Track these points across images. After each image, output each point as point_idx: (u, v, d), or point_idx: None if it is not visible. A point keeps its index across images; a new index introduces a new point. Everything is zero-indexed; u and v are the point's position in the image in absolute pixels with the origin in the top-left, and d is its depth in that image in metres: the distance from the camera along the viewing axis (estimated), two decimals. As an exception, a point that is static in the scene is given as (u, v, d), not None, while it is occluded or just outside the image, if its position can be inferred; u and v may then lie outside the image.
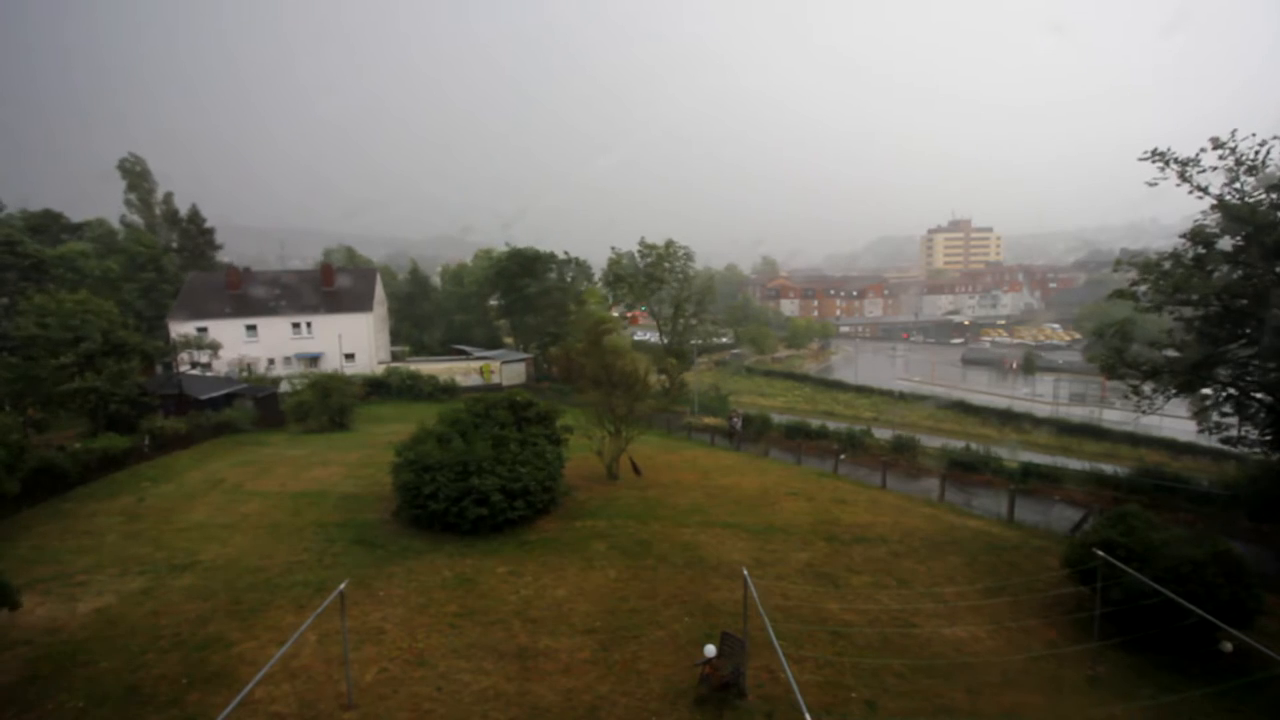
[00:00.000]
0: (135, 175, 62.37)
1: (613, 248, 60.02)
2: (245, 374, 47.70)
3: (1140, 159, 19.33)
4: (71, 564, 16.33)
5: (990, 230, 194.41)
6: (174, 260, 58.26)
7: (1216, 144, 18.12)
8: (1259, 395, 19.55)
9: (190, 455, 29.25)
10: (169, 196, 63.97)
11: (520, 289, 58.90)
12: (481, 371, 53.10)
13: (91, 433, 28.55)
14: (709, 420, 40.72)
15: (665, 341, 55.72)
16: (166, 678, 11.33)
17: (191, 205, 65.03)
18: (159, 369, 41.08)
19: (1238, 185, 18.34)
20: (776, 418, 38.63)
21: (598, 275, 62.52)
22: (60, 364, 28.23)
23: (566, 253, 62.99)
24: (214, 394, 36.68)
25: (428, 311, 71.82)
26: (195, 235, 64.17)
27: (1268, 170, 17.54)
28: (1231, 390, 20.05)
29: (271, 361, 51.96)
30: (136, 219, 62.60)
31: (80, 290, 33.99)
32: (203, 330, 46.81)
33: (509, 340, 66.90)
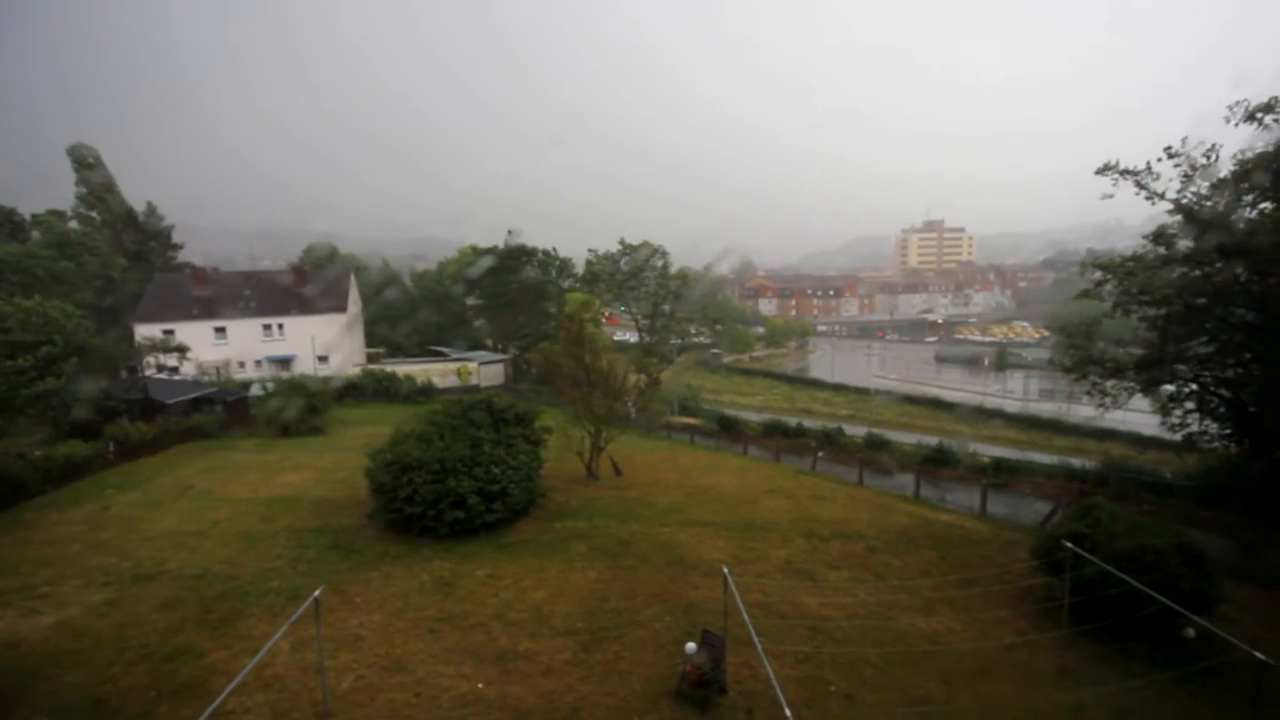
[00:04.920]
0: (87, 166, 59.79)
1: (590, 249, 60.05)
2: (214, 377, 46.64)
3: (1096, 173, 20.07)
4: (33, 575, 15.81)
5: (963, 230, 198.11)
6: (122, 263, 56.39)
7: (1171, 154, 18.85)
8: (1219, 391, 20.24)
9: (157, 461, 28.48)
10: (114, 184, 61.25)
11: (502, 283, 58.16)
12: (459, 373, 52.59)
13: (53, 440, 27.66)
14: (688, 420, 40.90)
15: (644, 340, 55.85)
16: (134, 690, 11.04)
17: (147, 203, 63.20)
18: (123, 372, 39.93)
19: (1193, 189, 19.03)
20: (755, 416, 38.95)
21: (579, 272, 62.01)
22: (19, 367, 27.29)
23: (554, 249, 62.14)
24: (181, 398, 35.79)
25: (403, 312, 70.87)
26: (152, 234, 62.26)
27: (1209, 167, 18.30)
28: (1193, 386, 20.74)
29: (242, 364, 50.87)
30: (94, 215, 60.35)
31: (35, 295, 32.93)
32: (169, 332, 45.65)
33: (489, 341, 66.30)
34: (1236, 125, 18.29)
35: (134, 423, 30.76)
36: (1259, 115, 18.06)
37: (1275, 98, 17.81)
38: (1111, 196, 19.96)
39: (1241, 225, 17.82)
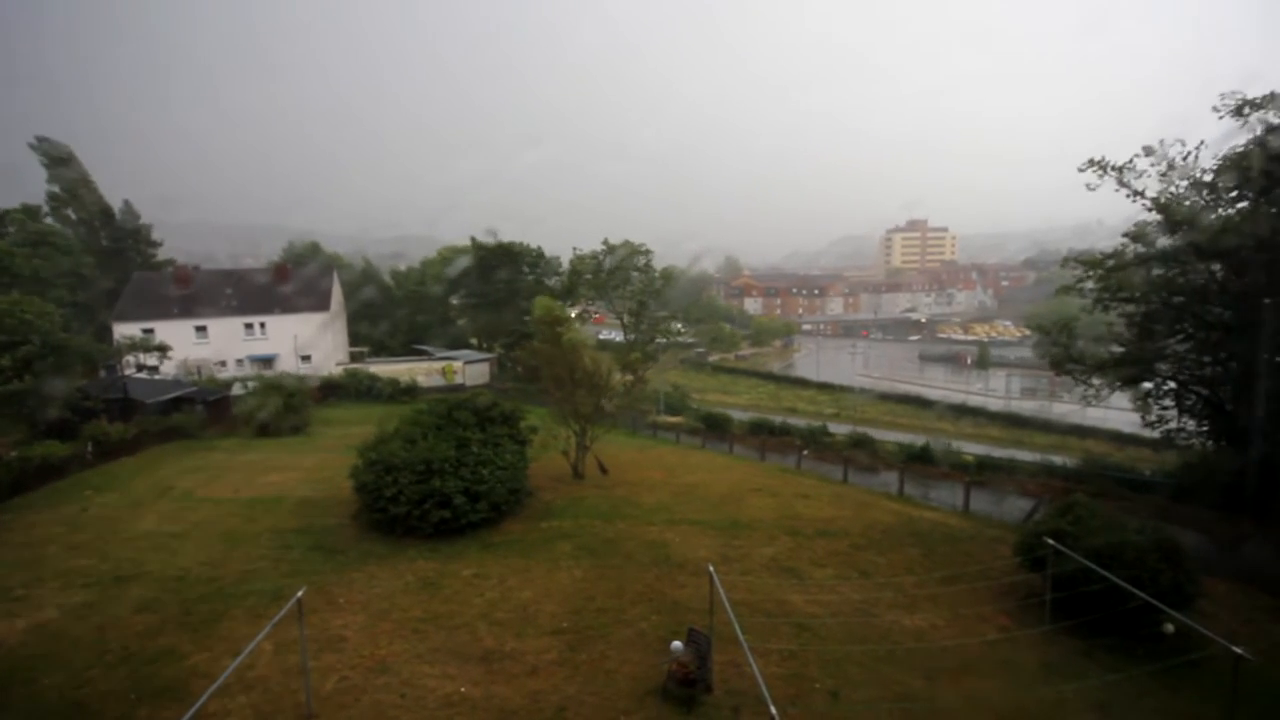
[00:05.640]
0: (59, 163, 58.46)
1: (574, 247, 60.06)
2: (196, 377, 45.96)
3: (1080, 169, 20.31)
4: (8, 578, 15.48)
5: (946, 230, 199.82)
6: (89, 260, 55.29)
7: (1148, 151, 19.08)
8: (1196, 388, 20.58)
9: (137, 462, 28.02)
10: (89, 180, 60.02)
11: (488, 282, 57.84)
12: (444, 372, 52.23)
13: (29, 440, 27.11)
14: (674, 418, 40.97)
15: (630, 339, 55.89)
16: (113, 693, 10.85)
17: (124, 200, 62.09)
18: (102, 372, 39.23)
19: (1172, 189, 19.30)
20: (740, 415, 39.11)
21: (565, 271, 61.88)
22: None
23: (541, 248, 61.96)
24: (162, 397, 35.24)
25: (388, 311, 70.27)
26: (129, 231, 61.14)
27: (1185, 165, 18.53)
28: (1171, 384, 21.07)
29: (223, 364, 50.18)
30: (69, 213, 59.05)
31: (12, 292, 32.30)
32: (149, 331, 44.89)
33: (474, 340, 65.94)
34: (1223, 118, 18.29)
35: (113, 423, 30.22)
36: (1246, 110, 18.04)
37: (1273, 93, 17.73)
38: (1094, 188, 20.21)
39: (1216, 224, 18.07)
